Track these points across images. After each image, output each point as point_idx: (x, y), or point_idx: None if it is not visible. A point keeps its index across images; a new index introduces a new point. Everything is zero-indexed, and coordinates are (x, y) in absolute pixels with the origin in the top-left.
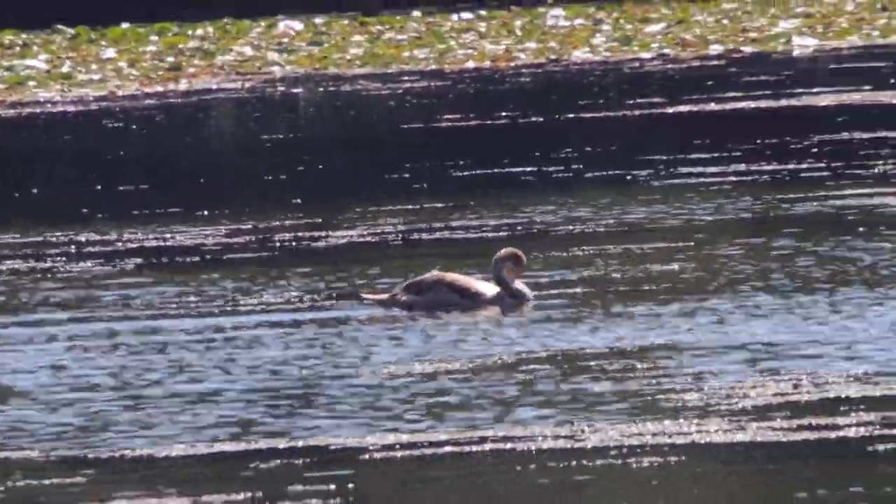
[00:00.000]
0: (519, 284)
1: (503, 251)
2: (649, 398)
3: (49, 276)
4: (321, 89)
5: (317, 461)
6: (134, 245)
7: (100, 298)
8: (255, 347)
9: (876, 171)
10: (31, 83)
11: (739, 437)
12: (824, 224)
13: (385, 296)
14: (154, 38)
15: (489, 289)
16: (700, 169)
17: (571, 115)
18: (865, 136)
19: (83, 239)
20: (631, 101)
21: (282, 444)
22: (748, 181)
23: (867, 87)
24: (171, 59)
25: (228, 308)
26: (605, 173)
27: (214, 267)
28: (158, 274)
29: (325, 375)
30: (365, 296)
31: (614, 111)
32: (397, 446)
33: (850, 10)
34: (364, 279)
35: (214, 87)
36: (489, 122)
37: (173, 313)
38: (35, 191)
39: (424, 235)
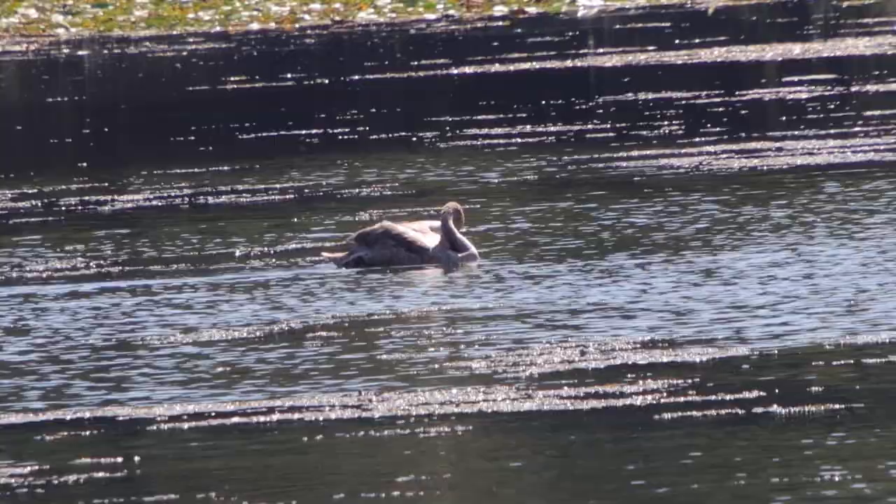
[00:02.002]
0: (464, 239)
1: (448, 204)
2: (436, 366)
3: None
4: (106, 52)
5: (104, 432)
6: None
7: None
8: (42, 316)
9: (661, 131)
10: None
11: (527, 405)
12: (611, 186)
13: (340, 254)
14: None
15: (433, 241)
16: (486, 130)
17: (357, 77)
18: (651, 96)
19: None
20: (416, 63)
21: (69, 415)
22: (533, 143)
23: (652, 48)
24: None
25: (14, 275)
26: (391, 135)
27: (0, 232)
28: None
29: (114, 344)
30: (324, 254)
31: (400, 73)
32: (184, 417)
33: None
34: (151, 244)
35: None
36: (274, 84)
37: None
38: None
39: (211, 199)
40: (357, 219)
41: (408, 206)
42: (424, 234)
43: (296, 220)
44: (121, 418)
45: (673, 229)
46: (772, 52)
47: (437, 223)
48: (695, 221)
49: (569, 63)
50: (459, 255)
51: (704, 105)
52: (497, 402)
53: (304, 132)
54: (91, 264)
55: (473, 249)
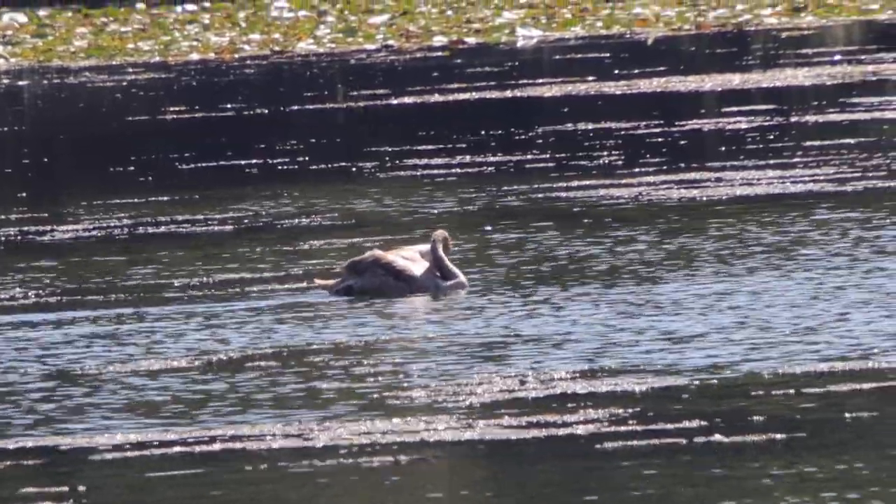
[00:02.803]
0: (453, 267)
1: (437, 232)
2: (377, 396)
3: None
4: (46, 82)
5: (47, 462)
6: None
7: None
8: None
9: (601, 162)
10: None
11: (468, 434)
12: (551, 216)
13: (332, 281)
14: None
15: (421, 270)
16: (425, 161)
17: (297, 107)
18: (590, 126)
19: None
20: (356, 93)
21: (11, 444)
22: (473, 173)
23: (591, 78)
24: None
25: None
26: (331, 165)
27: None
28: None
29: (56, 374)
30: (316, 281)
31: (339, 103)
32: (127, 446)
33: (573, 1)
34: (92, 274)
35: None
36: (214, 114)
37: None
38: None
39: (151, 229)
40: (295, 248)
41: (349, 236)
42: (415, 261)
43: (237, 250)
44: (64, 448)
45: (612, 259)
46: (711, 82)
47: (427, 248)
48: (634, 252)
49: (508, 93)
50: (447, 283)
51: (644, 135)
52: (438, 432)
53: (243, 162)
54: (30, 294)
55: (462, 277)
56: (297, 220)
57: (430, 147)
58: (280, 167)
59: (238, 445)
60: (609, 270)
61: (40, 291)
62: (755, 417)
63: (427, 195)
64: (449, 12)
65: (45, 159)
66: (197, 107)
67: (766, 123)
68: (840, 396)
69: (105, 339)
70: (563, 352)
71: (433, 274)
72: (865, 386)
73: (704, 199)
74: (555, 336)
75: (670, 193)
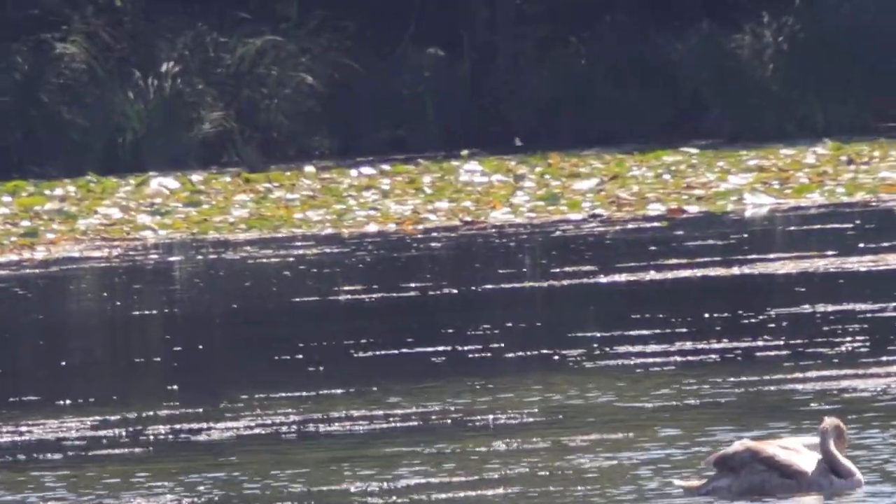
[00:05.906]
0: (847, 462)
1: (828, 420)
2: None
3: None
4: (201, 257)
5: None
6: None
7: None
8: None
9: (843, 349)
10: None
11: None
12: (784, 413)
13: (698, 482)
14: (6, 198)
15: (810, 463)
16: (639, 347)
17: (490, 286)
18: (830, 308)
19: None
20: (558, 270)
21: None
22: (695, 361)
23: (832, 253)
24: (26, 223)
25: None
26: (529, 353)
27: (80, 465)
28: (14, 475)
29: None
30: (678, 483)
31: (539, 281)
32: None
33: (810, 164)
34: (253, 479)
35: (77, 255)
36: (395, 294)
37: None
38: None
39: (322, 427)
40: (491, 449)
41: (551, 435)
42: (799, 453)
43: (419, 450)
44: None
45: (866, 459)
46: None
47: (812, 441)
48: (890, 450)
49: (735, 270)
50: (843, 481)
51: (893, 318)
52: None
53: (429, 349)
54: (184, 501)
55: (859, 475)
56: (491, 416)
57: (644, 332)
58: (470, 355)
59: None
60: (864, 471)
61: (195, 499)
62: None
63: (641, 387)
64: (666, 176)
65: (200, 346)
66: (375, 286)
67: None
68: None
69: None
70: None
71: (826, 469)
72: None
73: None
74: None
75: None
